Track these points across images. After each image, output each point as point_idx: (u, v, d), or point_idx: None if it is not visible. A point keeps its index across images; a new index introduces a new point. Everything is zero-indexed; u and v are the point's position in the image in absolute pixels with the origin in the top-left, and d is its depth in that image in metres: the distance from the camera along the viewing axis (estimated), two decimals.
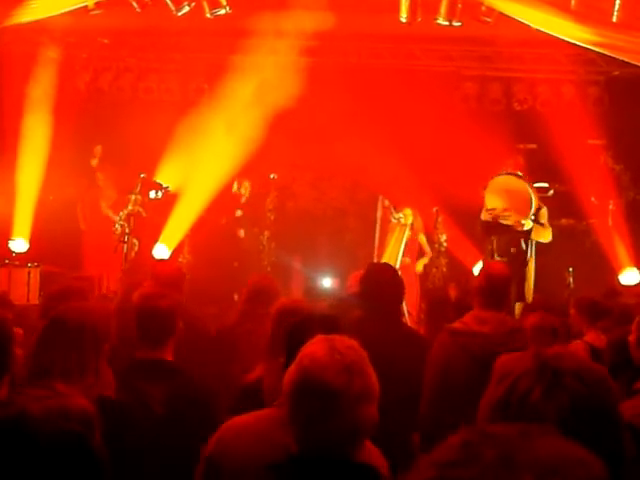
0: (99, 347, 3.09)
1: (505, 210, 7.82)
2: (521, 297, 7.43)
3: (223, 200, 9.69)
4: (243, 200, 10.06)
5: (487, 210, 7.91)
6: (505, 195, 7.91)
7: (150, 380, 3.23)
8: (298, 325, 2.75)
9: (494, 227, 7.92)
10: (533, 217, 7.84)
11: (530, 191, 7.85)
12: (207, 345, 4.90)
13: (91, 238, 9.68)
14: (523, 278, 7.70)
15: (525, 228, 7.79)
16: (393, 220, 9.07)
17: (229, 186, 9.86)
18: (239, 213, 9.84)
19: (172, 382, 3.24)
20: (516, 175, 8.07)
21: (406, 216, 9.14)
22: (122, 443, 2.95)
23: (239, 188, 10.02)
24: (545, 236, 8.01)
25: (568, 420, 1.41)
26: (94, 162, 10.35)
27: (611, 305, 5.36)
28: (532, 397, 1.44)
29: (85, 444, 1.53)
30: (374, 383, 2.11)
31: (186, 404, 3.19)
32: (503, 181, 8.04)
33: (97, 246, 9.37)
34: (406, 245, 9.20)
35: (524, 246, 7.87)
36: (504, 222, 7.83)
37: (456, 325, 3.72)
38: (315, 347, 2.14)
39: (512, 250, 7.87)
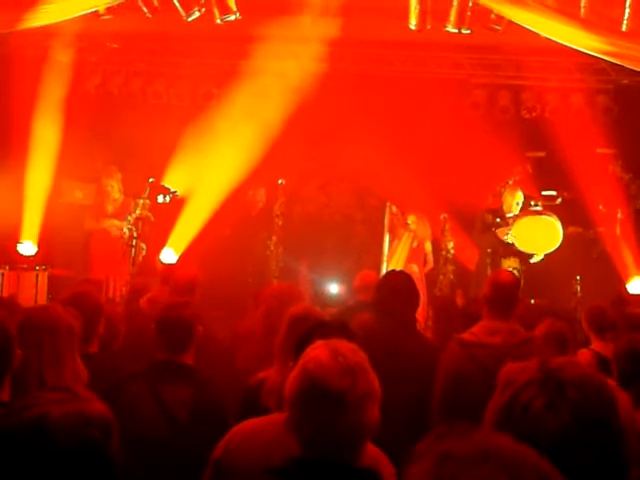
0: (60, 344, 3.11)
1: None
2: None
3: (237, 207, 9.69)
4: (260, 206, 10.04)
5: (508, 231, 8.08)
6: (538, 237, 8.12)
7: (172, 383, 3.30)
8: (309, 332, 2.76)
9: (504, 244, 8.12)
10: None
11: (558, 243, 8.15)
12: (219, 351, 4.94)
13: (99, 242, 9.68)
14: None
15: (533, 260, 8.32)
16: (408, 224, 9.11)
17: (244, 193, 9.84)
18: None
19: (195, 387, 3.32)
20: (561, 229, 8.29)
21: (412, 223, 9.16)
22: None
23: (255, 195, 10.01)
24: None
25: (569, 430, 1.42)
26: (99, 166, 10.37)
27: (619, 316, 5.33)
28: (534, 407, 1.46)
29: (103, 450, 1.54)
30: (376, 384, 2.15)
31: (209, 410, 3.26)
32: (549, 224, 8.20)
33: (105, 250, 9.39)
34: (413, 252, 9.19)
35: (519, 269, 8.10)
36: (519, 247, 8.06)
37: (466, 336, 3.68)
38: (317, 352, 2.17)
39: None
